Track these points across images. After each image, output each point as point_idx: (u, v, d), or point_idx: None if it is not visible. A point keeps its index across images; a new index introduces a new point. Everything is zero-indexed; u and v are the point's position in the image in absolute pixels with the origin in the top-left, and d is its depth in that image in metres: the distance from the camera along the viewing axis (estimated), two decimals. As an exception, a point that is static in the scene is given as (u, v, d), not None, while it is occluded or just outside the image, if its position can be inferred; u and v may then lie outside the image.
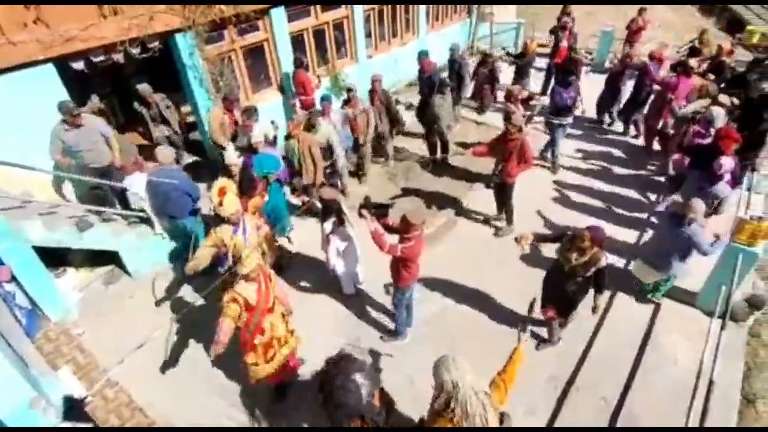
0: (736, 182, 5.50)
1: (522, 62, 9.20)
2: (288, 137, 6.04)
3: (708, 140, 5.57)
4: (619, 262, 5.60)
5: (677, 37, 13.75)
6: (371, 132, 7.10)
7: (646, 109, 7.71)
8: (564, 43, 9.32)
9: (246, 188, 5.17)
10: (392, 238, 4.09)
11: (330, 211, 4.76)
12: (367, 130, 7.04)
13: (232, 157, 5.68)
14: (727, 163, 4.97)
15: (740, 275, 4.37)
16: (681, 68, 6.90)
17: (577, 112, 7.66)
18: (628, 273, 5.24)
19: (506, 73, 10.19)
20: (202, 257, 4.19)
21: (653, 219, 6.18)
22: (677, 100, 6.62)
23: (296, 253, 6.07)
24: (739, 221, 4.46)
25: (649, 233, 5.91)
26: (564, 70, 7.48)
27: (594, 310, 4.26)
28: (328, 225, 4.78)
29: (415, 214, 3.91)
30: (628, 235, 6.08)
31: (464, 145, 8.10)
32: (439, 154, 7.72)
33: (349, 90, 6.95)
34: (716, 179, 5.08)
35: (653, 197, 6.80)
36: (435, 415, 2.34)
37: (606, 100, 8.54)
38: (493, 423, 2.28)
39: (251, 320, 3.54)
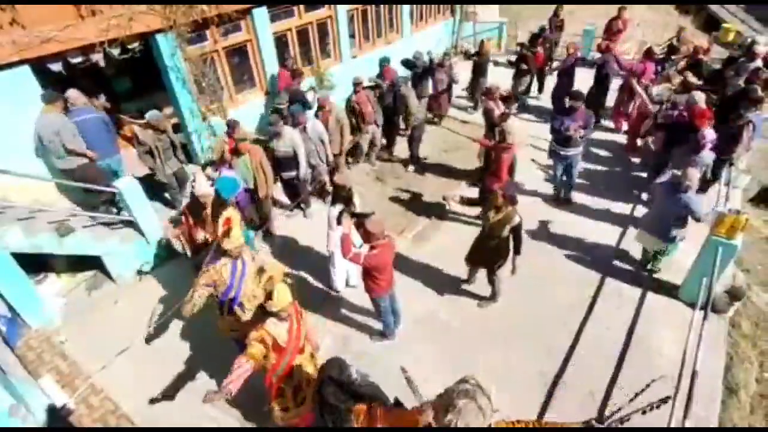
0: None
1: (479, 61, 9.18)
2: (238, 153, 5.59)
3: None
4: (606, 258, 5.70)
5: (656, 35, 14.00)
6: (346, 142, 6.93)
7: (613, 98, 8.41)
8: (539, 49, 9.32)
9: (218, 214, 4.43)
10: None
11: (339, 197, 4.73)
12: (342, 139, 6.82)
13: (204, 187, 4.71)
14: (709, 134, 5.47)
15: (721, 267, 4.48)
16: (645, 53, 7.77)
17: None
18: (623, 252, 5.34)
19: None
20: (198, 299, 3.68)
21: (646, 195, 6.57)
22: (646, 81, 7.39)
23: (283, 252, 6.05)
24: (718, 215, 4.56)
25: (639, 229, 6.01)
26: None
27: (513, 271, 4.70)
28: (335, 210, 4.71)
29: (375, 223, 3.83)
30: (614, 233, 6.20)
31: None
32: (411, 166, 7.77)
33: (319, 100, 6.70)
34: (700, 148, 5.49)
35: (636, 192, 6.92)
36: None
37: (560, 90, 8.77)
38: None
39: (280, 363, 3.21)
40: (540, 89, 10.09)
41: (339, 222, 4.35)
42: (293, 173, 6.18)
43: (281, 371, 3.25)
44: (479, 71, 9.31)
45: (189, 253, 5.03)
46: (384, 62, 7.73)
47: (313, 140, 6.24)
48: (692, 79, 7.05)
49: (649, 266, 5.41)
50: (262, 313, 3.20)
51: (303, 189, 6.48)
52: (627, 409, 2.69)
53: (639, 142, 7.68)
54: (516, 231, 4.42)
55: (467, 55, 10.08)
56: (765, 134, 6.48)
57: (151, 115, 5.93)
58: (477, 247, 4.86)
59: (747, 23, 15.28)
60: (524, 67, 9.14)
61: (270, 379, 3.31)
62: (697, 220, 4.75)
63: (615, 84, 8.48)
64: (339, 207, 4.67)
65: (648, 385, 2.79)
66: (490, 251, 4.67)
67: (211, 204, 4.69)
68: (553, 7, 10.77)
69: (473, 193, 6.57)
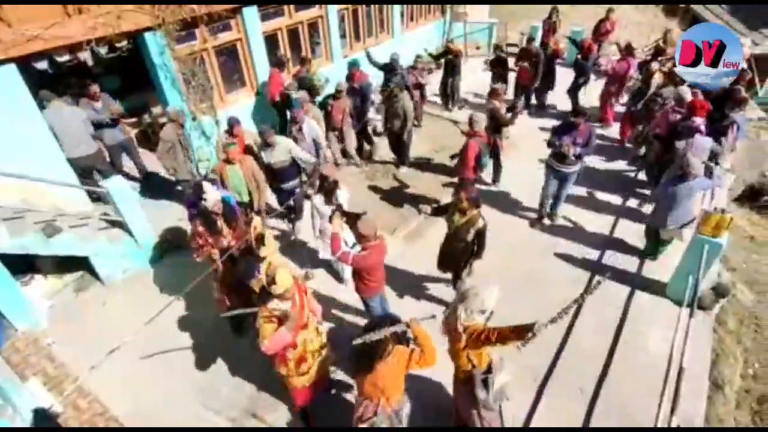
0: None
1: (453, 61, 9.05)
2: (228, 162, 5.28)
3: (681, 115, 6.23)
4: (594, 254, 5.77)
5: (643, 36, 14.21)
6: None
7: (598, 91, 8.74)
8: (525, 65, 9.07)
9: (231, 220, 4.47)
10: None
11: (322, 186, 4.87)
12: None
13: (215, 195, 4.36)
14: (699, 120, 5.72)
15: (706, 265, 4.55)
16: (626, 50, 8.12)
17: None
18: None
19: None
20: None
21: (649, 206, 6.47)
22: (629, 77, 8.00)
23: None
24: (704, 213, 4.65)
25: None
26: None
27: (469, 272, 4.70)
28: (318, 199, 4.90)
29: (366, 224, 3.83)
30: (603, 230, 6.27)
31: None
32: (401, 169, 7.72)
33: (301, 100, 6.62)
34: (693, 132, 5.65)
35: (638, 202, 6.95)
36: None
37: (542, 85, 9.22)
38: None
39: None
40: (527, 105, 9.66)
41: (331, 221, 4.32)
42: (294, 182, 5.96)
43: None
44: (452, 70, 9.21)
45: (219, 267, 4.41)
46: (353, 65, 7.60)
47: (307, 141, 6.18)
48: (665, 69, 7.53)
49: (651, 255, 5.67)
50: (267, 296, 3.26)
51: (300, 201, 6.11)
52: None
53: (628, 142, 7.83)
54: (480, 235, 4.36)
55: (435, 57, 9.67)
56: (749, 134, 6.60)
57: (171, 109, 6.08)
58: (444, 251, 4.81)
59: (731, 25, 15.53)
60: (500, 70, 9.05)
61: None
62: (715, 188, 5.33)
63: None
64: (321, 197, 4.85)
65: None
66: (457, 254, 4.62)
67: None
68: (540, 7, 10.80)
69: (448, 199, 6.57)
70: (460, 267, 4.72)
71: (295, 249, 6.08)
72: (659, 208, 5.32)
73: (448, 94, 9.50)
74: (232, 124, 5.97)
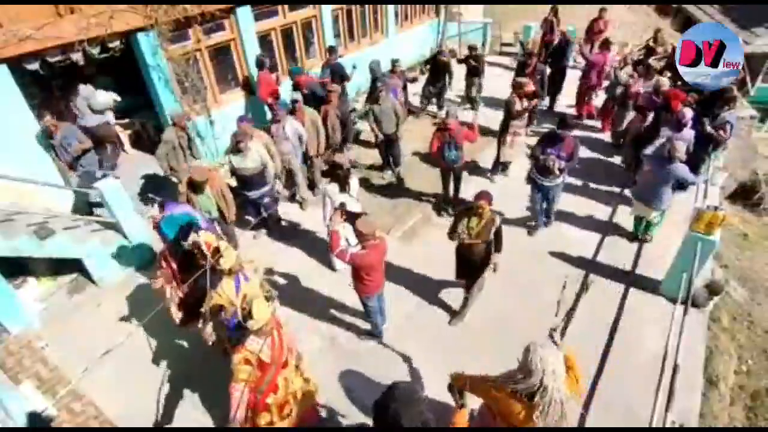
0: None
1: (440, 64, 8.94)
2: (198, 189, 4.91)
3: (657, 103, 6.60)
4: (589, 257, 5.80)
5: (636, 36, 14.30)
6: (322, 143, 6.71)
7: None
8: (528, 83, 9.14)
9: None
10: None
11: (335, 175, 5.01)
12: (318, 141, 6.63)
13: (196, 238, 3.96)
14: (689, 113, 5.83)
15: (700, 263, 4.58)
16: (602, 45, 8.57)
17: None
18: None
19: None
20: (210, 329, 3.66)
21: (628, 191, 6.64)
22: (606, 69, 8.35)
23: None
24: (697, 211, 4.68)
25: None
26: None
27: (494, 268, 4.64)
28: (331, 187, 5.01)
29: (366, 223, 3.86)
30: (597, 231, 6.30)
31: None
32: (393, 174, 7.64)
33: (294, 101, 6.54)
34: (682, 126, 5.75)
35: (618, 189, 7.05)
36: (507, 395, 2.44)
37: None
38: (564, 420, 2.38)
39: (263, 380, 3.07)
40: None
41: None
42: (263, 190, 5.69)
43: (265, 387, 3.11)
44: (435, 77, 9.14)
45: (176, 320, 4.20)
46: (296, 72, 7.55)
47: (291, 140, 6.13)
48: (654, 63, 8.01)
49: (641, 236, 5.86)
50: (241, 332, 3.06)
51: (270, 207, 5.94)
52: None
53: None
54: (498, 231, 4.41)
55: (425, 62, 9.64)
56: (740, 133, 6.66)
57: (172, 111, 6.10)
58: (464, 259, 4.67)
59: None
60: (473, 65, 8.99)
61: (254, 397, 3.13)
62: (692, 184, 5.55)
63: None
64: (334, 185, 4.93)
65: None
66: (479, 258, 4.52)
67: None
68: (533, 7, 10.77)
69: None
70: (482, 270, 4.63)
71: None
72: (640, 182, 5.69)
73: (472, 97, 9.47)
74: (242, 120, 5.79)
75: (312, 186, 7.15)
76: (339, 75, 7.73)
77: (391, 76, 8.12)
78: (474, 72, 9.02)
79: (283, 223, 6.55)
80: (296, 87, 7.45)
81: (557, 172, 5.46)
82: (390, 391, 2.25)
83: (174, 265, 4.12)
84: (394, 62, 8.39)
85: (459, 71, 9.32)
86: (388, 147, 7.33)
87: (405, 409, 2.14)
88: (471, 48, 9.17)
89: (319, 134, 6.60)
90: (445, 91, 9.42)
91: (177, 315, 4.13)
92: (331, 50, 8.11)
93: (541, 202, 5.97)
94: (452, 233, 4.50)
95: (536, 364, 2.33)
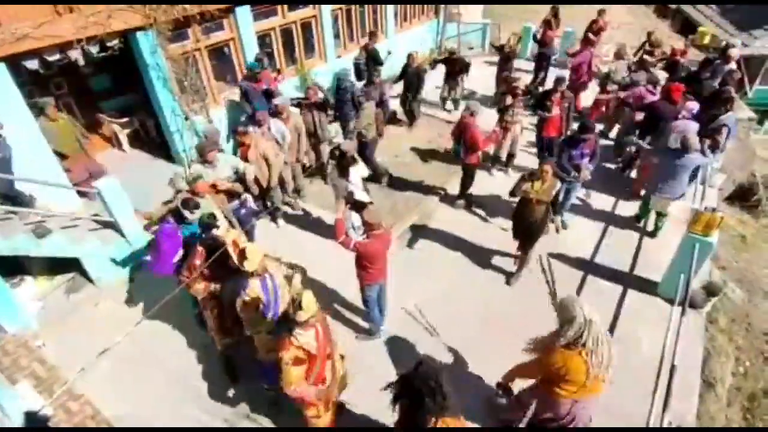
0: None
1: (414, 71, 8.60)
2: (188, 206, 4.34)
3: (656, 97, 6.68)
4: (587, 258, 5.81)
5: (634, 37, 14.29)
6: (303, 147, 6.51)
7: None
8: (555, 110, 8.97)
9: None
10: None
11: (340, 161, 5.38)
12: (299, 146, 6.42)
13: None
14: (693, 105, 6.15)
15: (698, 264, 4.59)
16: (583, 42, 9.09)
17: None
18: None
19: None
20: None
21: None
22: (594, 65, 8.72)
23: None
24: (694, 213, 4.69)
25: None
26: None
27: (558, 228, 5.55)
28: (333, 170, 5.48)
29: (371, 213, 4.04)
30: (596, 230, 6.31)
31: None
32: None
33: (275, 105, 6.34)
34: (688, 118, 5.99)
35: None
36: (563, 347, 2.84)
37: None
38: (613, 359, 2.84)
39: (311, 372, 3.06)
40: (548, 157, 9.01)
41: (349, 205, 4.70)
42: (234, 203, 5.27)
43: (312, 379, 3.10)
44: (415, 85, 8.75)
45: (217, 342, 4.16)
46: (253, 66, 7.14)
47: (278, 139, 6.02)
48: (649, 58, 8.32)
49: (652, 228, 6.02)
50: (286, 324, 3.02)
51: (246, 221, 5.38)
52: None
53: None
54: (557, 194, 5.11)
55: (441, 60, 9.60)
56: (739, 134, 6.68)
57: (208, 128, 6.23)
58: (524, 219, 5.07)
59: (722, 27, 15.72)
60: (448, 68, 9.01)
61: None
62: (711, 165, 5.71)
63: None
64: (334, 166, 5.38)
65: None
66: (539, 217, 4.97)
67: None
68: (533, 8, 10.82)
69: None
70: (540, 231, 5.12)
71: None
72: (654, 176, 5.67)
73: (455, 99, 9.54)
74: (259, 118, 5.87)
75: (297, 190, 6.92)
76: (373, 58, 8.18)
77: (372, 87, 8.03)
78: (457, 74, 9.06)
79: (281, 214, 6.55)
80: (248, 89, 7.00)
81: (588, 176, 5.79)
82: (418, 365, 2.52)
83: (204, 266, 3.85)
84: (375, 71, 8.19)
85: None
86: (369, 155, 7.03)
87: (428, 384, 2.38)
88: (451, 52, 9.29)
89: (300, 140, 6.39)
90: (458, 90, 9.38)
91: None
92: (372, 35, 8.67)
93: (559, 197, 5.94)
94: (514, 192, 5.03)
95: (575, 307, 2.79)
